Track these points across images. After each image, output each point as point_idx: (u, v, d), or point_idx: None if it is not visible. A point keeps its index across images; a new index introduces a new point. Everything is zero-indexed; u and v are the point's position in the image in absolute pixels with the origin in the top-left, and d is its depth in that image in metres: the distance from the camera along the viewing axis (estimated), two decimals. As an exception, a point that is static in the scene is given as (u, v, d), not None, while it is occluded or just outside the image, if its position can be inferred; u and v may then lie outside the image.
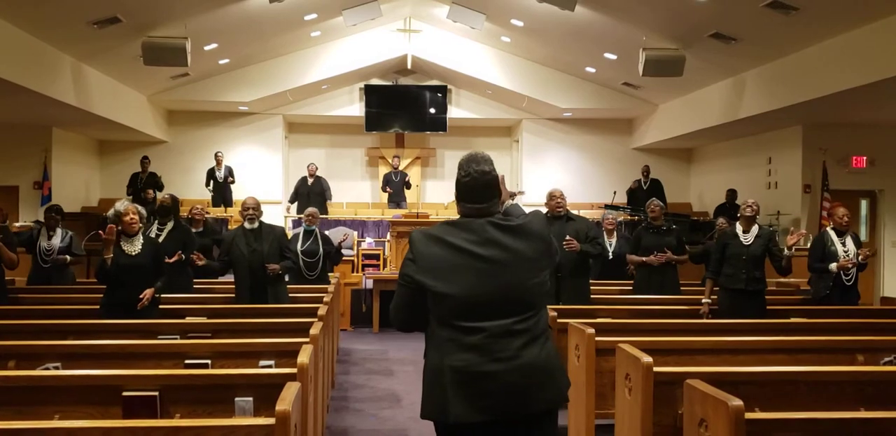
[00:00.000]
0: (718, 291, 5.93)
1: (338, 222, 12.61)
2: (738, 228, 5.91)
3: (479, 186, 2.53)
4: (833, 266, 6.03)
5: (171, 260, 5.84)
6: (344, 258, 9.32)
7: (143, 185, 12.16)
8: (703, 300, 5.93)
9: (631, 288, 7.12)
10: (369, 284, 9.36)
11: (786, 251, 5.87)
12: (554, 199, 6.21)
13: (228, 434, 2.47)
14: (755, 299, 5.82)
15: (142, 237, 5.05)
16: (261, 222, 5.97)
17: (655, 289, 6.71)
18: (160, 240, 6.22)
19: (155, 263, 5.06)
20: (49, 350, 3.83)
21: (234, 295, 5.98)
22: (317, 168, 12.98)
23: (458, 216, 2.60)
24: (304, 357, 3.29)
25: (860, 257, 6.03)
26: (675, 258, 6.69)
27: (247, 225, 5.91)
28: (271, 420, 2.48)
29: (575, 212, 6.82)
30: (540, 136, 15.02)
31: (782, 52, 9.20)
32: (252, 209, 5.90)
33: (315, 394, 3.82)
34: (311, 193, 12.66)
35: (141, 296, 4.89)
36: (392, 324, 2.65)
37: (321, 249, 7.54)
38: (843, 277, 6.08)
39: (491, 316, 2.41)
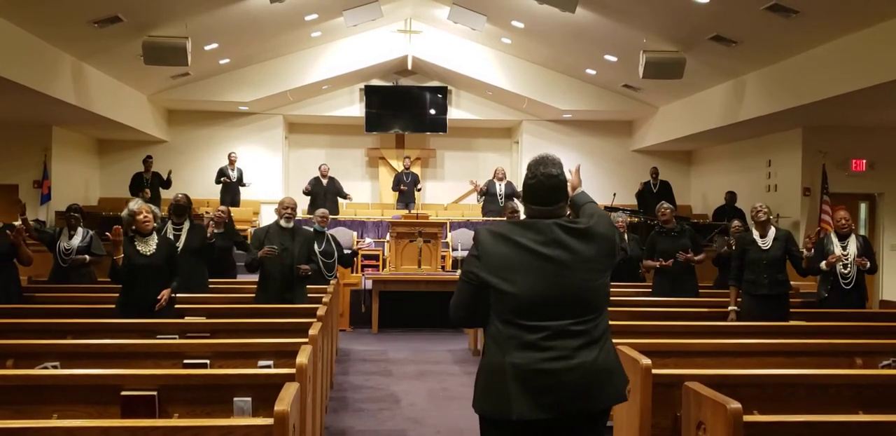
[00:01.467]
0: (742, 296, 5.89)
1: (337, 223, 12.60)
2: (755, 233, 5.88)
3: (546, 188, 2.56)
4: (822, 265, 6.05)
5: (210, 235, 6.25)
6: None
7: (150, 185, 12.14)
8: (730, 308, 5.90)
9: (647, 290, 7.13)
10: (368, 284, 9.35)
11: (805, 253, 5.85)
12: None
13: (227, 434, 2.48)
14: (779, 303, 5.78)
15: (156, 237, 5.06)
16: (295, 223, 6.04)
17: (674, 292, 6.71)
18: (182, 239, 6.27)
19: (169, 263, 5.08)
20: (48, 349, 3.84)
21: (238, 295, 6.00)
22: (329, 168, 12.99)
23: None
24: (302, 358, 3.29)
25: (860, 266, 6.02)
26: (693, 259, 6.73)
27: (283, 223, 6.01)
28: (270, 420, 2.49)
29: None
30: (540, 137, 15.01)
31: (783, 55, 9.20)
32: (291, 209, 6.04)
33: (314, 394, 3.82)
34: (326, 194, 12.66)
35: (159, 296, 4.91)
36: (451, 320, 2.66)
37: (335, 250, 7.59)
38: (842, 280, 6.07)
39: (553, 316, 2.43)
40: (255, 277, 6.23)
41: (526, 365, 2.40)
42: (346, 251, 7.95)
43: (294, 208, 6.07)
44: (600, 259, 2.52)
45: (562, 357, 2.40)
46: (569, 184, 2.70)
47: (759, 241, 5.81)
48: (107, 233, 4.81)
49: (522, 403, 2.38)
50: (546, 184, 2.55)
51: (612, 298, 6.40)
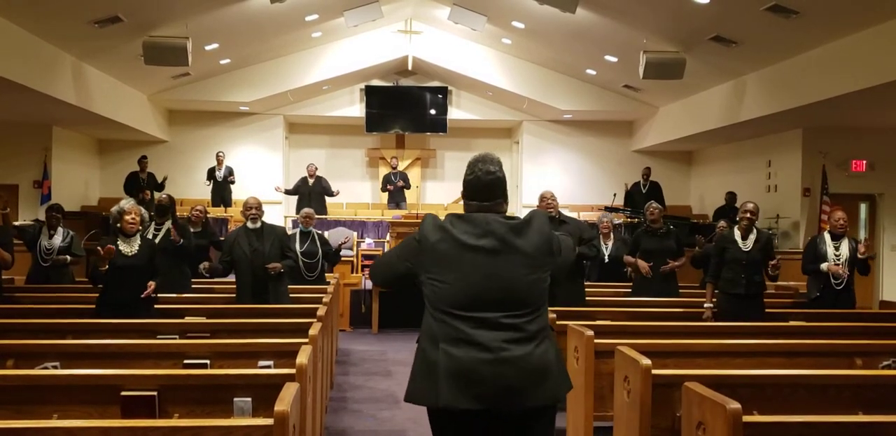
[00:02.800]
0: (718, 294, 5.91)
1: (337, 223, 12.62)
2: (737, 233, 5.88)
3: (483, 184, 2.61)
4: (823, 266, 6.06)
5: (176, 239, 6.15)
6: (344, 259, 9.32)
7: (146, 186, 12.14)
8: (706, 305, 5.91)
9: (628, 290, 7.12)
10: (369, 284, 9.36)
11: (770, 269, 5.82)
12: (544, 200, 6.24)
13: (227, 434, 2.47)
14: (754, 303, 5.80)
15: (139, 238, 5.07)
16: (263, 222, 6.00)
17: (654, 292, 6.71)
18: (158, 239, 6.25)
19: (150, 264, 5.08)
20: (48, 349, 3.84)
21: (234, 295, 5.99)
22: (316, 168, 12.98)
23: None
24: (302, 358, 3.29)
25: (859, 253, 6.03)
26: (675, 265, 6.69)
27: (249, 225, 5.95)
28: (270, 421, 2.49)
29: (574, 214, 6.83)
30: (540, 137, 15.02)
31: (783, 56, 9.20)
32: (255, 209, 5.94)
33: (314, 395, 3.82)
34: (311, 193, 12.64)
35: (148, 285, 4.94)
36: (371, 278, 2.81)
37: (320, 250, 7.55)
38: (833, 281, 6.08)
39: (485, 308, 2.46)
40: None
41: (456, 356, 2.43)
42: (330, 249, 7.87)
43: (258, 208, 5.96)
44: (536, 255, 2.53)
45: (491, 349, 2.42)
46: None
47: (741, 242, 5.81)
48: (98, 248, 4.80)
49: (452, 392, 2.41)
50: (483, 179, 2.61)
51: (602, 299, 6.46)
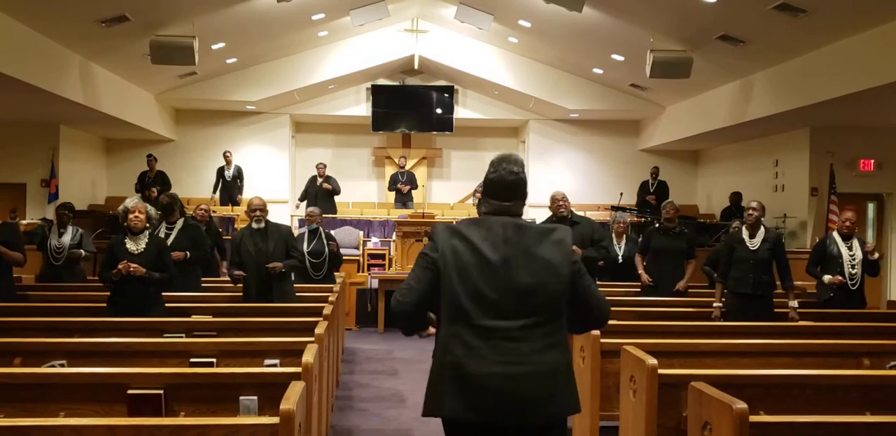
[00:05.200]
0: (727, 294, 5.89)
1: (343, 222, 12.63)
2: (745, 232, 5.87)
3: (505, 184, 2.57)
4: (826, 278, 6.08)
5: (177, 259, 5.94)
6: (350, 258, 9.33)
7: (151, 184, 12.17)
8: (715, 304, 5.90)
9: (636, 290, 7.12)
10: (374, 283, 9.37)
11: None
12: (556, 202, 6.25)
13: (232, 433, 2.48)
14: (763, 303, 5.78)
15: (147, 236, 5.08)
16: (267, 222, 5.99)
17: (663, 292, 6.70)
18: (171, 239, 6.25)
19: (158, 262, 5.06)
20: (55, 348, 3.85)
21: (241, 294, 6.00)
22: (325, 166, 13.00)
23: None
24: (308, 356, 3.30)
25: (869, 256, 6.05)
26: (684, 287, 6.84)
27: (254, 225, 5.94)
28: (275, 419, 2.49)
29: (581, 213, 6.83)
30: (547, 136, 15.00)
31: (790, 55, 9.17)
32: (259, 210, 5.92)
33: (319, 393, 3.82)
34: (318, 193, 12.66)
35: (122, 267, 4.84)
36: (394, 308, 2.54)
37: (327, 248, 7.53)
38: (849, 281, 6.07)
39: (501, 316, 2.41)
40: None
41: (465, 365, 2.40)
42: (339, 250, 7.83)
43: (262, 209, 5.93)
44: (557, 264, 2.46)
45: (505, 362, 2.38)
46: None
47: (748, 241, 5.79)
48: (119, 267, 4.81)
49: (454, 401, 2.39)
50: (507, 179, 2.56)
51: (613, 298, 6.44)
